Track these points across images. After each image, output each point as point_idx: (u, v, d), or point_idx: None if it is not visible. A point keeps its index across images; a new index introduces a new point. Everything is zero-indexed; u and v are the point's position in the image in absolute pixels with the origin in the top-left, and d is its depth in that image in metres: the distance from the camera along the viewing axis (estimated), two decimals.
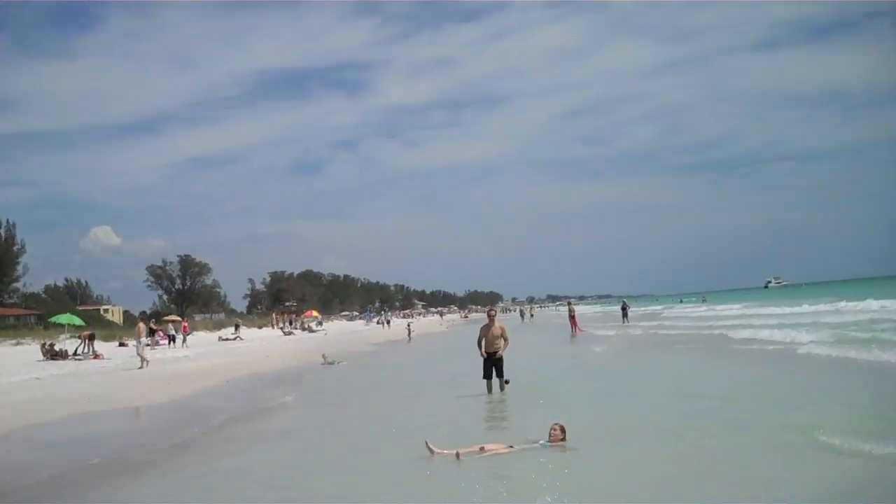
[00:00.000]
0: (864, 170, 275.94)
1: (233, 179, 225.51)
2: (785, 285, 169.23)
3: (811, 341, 20.04)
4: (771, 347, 20.65)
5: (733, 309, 53.46)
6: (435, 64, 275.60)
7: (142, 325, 27.76)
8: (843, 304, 38.67)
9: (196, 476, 9.00)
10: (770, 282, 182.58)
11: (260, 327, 68.65)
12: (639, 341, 28.58)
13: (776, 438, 8.42)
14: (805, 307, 41.03)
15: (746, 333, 25.45)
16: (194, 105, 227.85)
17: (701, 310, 63.63)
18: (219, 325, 65.01)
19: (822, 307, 38.76)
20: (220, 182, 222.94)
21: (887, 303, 34.30)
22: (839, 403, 10.66)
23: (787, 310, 41.41)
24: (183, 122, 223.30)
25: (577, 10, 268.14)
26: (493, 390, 14.27)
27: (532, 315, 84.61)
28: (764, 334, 24.29)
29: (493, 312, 15.11)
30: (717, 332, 28.83)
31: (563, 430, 8.95)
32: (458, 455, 8.49)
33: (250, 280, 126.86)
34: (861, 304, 35.85)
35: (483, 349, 14.48)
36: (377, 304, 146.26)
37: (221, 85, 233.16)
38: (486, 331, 14.58)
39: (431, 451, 8.74)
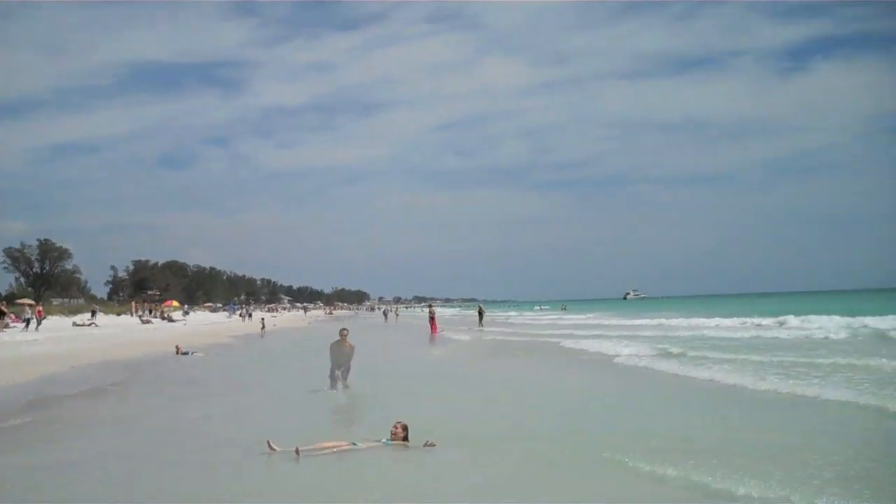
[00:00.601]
0: (724, 195, 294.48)
1: (99, 168, 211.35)
2: (642, 298, 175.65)
3: (630, 354, 20.74)
4: (592, 357, 21.30)
5: (584, 318, 55.03)
6: (311, 68, 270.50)
7: None
8: (677, 320, 40.27)
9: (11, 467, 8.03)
10: (628, 294, 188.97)
11: (119, 314, 64.20)
12: (484, 347, 28.94)
13: (571, 449, 8.35)
14: (649, 321, 42.34)
15: (580, 343, 26.11)
16: (62, 92, 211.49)
17: (549, 317, 65.72)
18: (76, 311, 60.15)
19: (666, 321, 40.21)
20: (85, 169, 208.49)
21: (728, 321, 35.95)
22: (632, 417, 10.86)
23: (634, 322, 43.00)
24: (50, 109, 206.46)
25: (455, 28, 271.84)
26: (337, 388, 14.03)
27: (397, 315, 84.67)
28: (591, 344, 25.18)
29: (345, 332, 14.74)
30: (553, 340, 29.60)
31: (405, 428, 8.75)
32: (297, 452, 8.08)
33: (112, 267, 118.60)
34: (703, 321, 37.60)
35: (334, 362, 14.27)
36: (242, 298, 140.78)
37: (92, 74, 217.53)
38: (337, 347, 14.33)
39: (272, 449, 8.27)
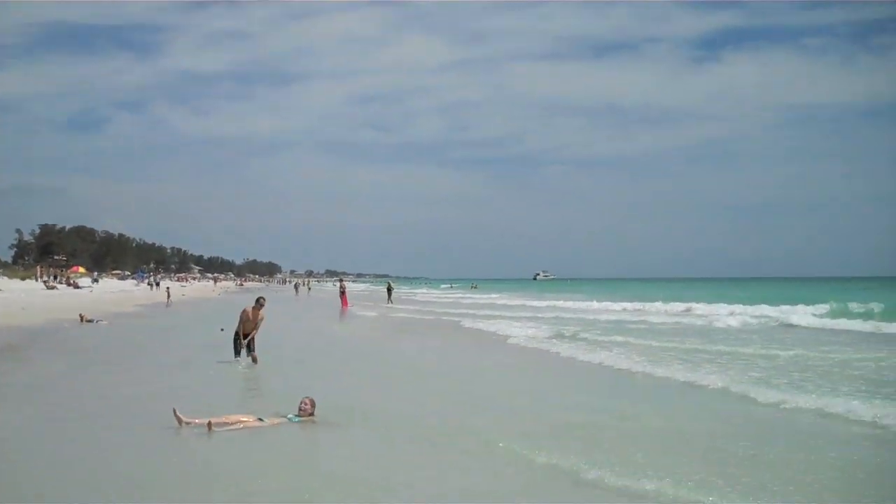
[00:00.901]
0: (639, 179, 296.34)
1: (5, 129, 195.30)
2: (552, 279, 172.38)
3: (525, 336, 20.67)
4: (488, 338, 21.27)
5: (490, 298, 54.53)
6: (229, 36, 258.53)
7: None
8: (580, 303, 40.27)
9: None
10: (538, 275, 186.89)
11: (23, 279, 60.19)
12: (389, 324, 28.79)
13: (455, 431, 8.22)
14: (552, 302, 42.38)
15: (479, 324, 26.33)
16: None
17: (455, 295, 65.50)
18: None
19: (569, 304, 40.30)
20: None
21: (631, 304, 36.37)
22: (512, 398, 10.72)
23: (537, 303, 42.97)
24: None
25: (374, 2, 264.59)
26: (243, 363, 13.59)
27: (308, 289, 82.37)
28: (489, 325, 25.36)
29: (263, 301, 14.32)
30: (455, 320, 29.68)
31: (312, 404, 8.67)
32: (209, 426, 7.89)
33: (18, 231, 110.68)
34: (607, 304, 37.66)
35: (241, 327, 13.79)
36: (152, 266, 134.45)
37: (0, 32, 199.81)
38: (250, 314, 13.82)
39: (180, 422, 8.04)
